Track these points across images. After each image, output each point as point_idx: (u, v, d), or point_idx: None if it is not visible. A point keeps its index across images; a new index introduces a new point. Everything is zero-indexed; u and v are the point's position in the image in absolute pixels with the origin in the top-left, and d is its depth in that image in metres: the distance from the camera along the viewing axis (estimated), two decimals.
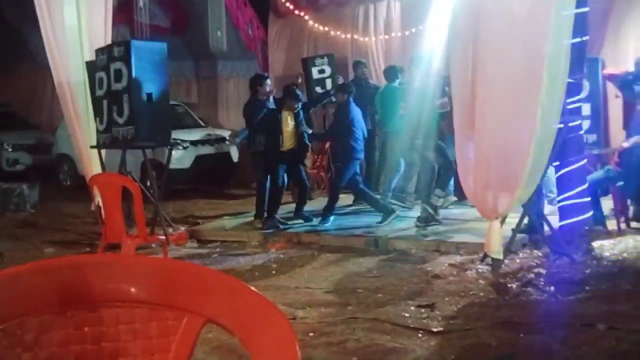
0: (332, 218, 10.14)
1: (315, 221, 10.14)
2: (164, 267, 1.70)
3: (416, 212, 9.98)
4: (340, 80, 11.78)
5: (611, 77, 9.67)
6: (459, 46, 7.46)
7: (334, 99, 10.96)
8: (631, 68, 10.02)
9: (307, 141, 10.51)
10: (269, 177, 10.24)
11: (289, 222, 10.27)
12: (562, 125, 7.22)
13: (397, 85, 11.21)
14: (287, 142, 10.08)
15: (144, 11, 13.81)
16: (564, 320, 5.81)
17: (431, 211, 9.61)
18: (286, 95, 10.33)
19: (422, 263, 8.00)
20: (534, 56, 6.74)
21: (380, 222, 9.80)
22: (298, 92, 10.57)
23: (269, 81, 10.77)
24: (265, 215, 10.20)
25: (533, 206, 7.77)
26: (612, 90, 9.98)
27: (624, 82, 9.33)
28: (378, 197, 10.58)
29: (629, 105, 9.43)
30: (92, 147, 10.01)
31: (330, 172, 12.40)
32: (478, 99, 7.14)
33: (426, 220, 9.53)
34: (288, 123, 10.11)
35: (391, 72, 11.62)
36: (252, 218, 10.45)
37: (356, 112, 10.16)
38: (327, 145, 12.72)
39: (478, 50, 7.11)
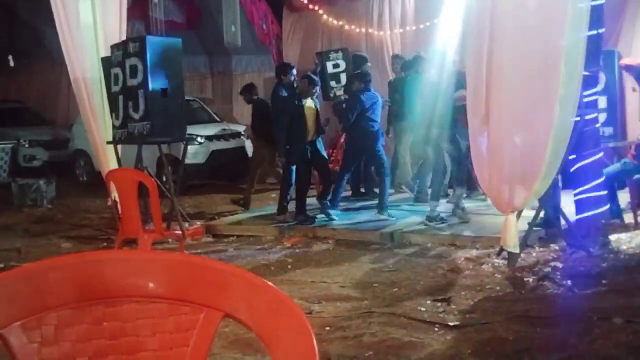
0: (334, 211, 10.13)
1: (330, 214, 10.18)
2: (181, 263, 1.71)
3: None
4: None
5: (628, 68, 9.62)
6: (473, 39, 7.43)
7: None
8: None
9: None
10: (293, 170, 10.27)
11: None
12: (578, 118, 7.19)
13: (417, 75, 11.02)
14: (312, 131, 10.09)
15: (158, 7, 13.82)
16: (581, 314, 5.78)
17: (459, 210, 9.70)
18: (302, 79, 10.32)
19: (438, 257, 8.00)
20: (551, 49, 6.70)
21: (378, 212, 9.99)
22: (312, 75, 10.57)
23: (294, 71, 10.78)
24: (295, 210, 10.22)
25: (549, 200, 7.75)
26: (629, 83, 9.92)
27: None
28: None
29: None
30: (108, 142, 10.04)
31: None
32: (493, 93, 7.11)
33: (434, 219, 9.43)
34: (311, 111, 10.11)
35: (411, 63, 11.44)
36: (276, 213, 10.44)
37: (374, 99, 10.10)
38: (343, 139, 12.68)
39: (493, 44, 7.08)
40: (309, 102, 10.16)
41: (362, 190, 11.99)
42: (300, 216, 10.07)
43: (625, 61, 9.68)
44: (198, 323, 1.63)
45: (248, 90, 12.11)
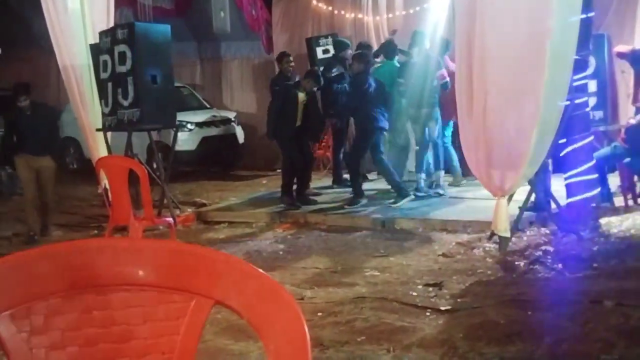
0: (363, 201, 9.97)
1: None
2: (171, 250, 1.70)
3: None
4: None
5: (621, 55, 9.68)
6: (462, 22, 7.41)
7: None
8: (638, 45, 9.99)
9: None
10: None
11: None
12: (568, 103, 7.20)
13: (396, 63, 11.01)
14: (299, 119, 10.03)
15: None
16: (572, 297, 5.81)
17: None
18: (308, 76, 10.25)
19: (429, 242, 8.01)
20: (538, 31, 6.70)
21: (394, 203, 9.69)
22: (319, 74, 10.52)
23: (290, 58, 11.47)
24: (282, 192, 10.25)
25: (540, 184, 7.76)
26: (618, 66, 9.96)
27: (635, 57, 9.36)
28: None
29: (639, 80, 9.43)
30: (97, 130, 10.01)
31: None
32: (481, 75, 7.10)
33: (422, 190, 9.99)
34: (301, 100, 10.05)
35: (390, 49, 11.33)
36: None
37: (375, 81, 10.05)
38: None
39: (481, 28, 7.05)
40: (302, 94, 10.08)
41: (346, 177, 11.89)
42: (287, 199, 10.06)
43: (618, 49, 9.72)
44: (188, 311, 1.63)
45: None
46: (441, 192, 10.12)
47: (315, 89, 10.22)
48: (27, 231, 9.28)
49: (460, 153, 10.08)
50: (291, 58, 11.66)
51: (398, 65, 10.89)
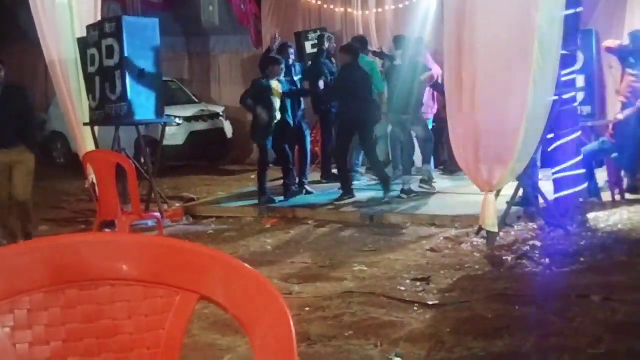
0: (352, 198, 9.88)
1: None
2: (157, 245, 1.69)
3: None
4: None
5: (610, 51, 9.72)
6: (451, 18, 7.41)
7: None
8: (625, 41, 10.02)
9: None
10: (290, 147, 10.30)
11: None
12: (556, 98, 7.21)
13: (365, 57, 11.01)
14: (277, 113, 9.97)
15: None
16: (559, 292, 5.83)
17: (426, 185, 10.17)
18: (267, 63, 10.16)
19: (417, 237, 8.02)
20: (524, 26, 6.71)
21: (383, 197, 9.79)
22: (277, 56, 10.44)
23: (291, 50, 11.26)
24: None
25: (528, 179, 7.78)
26: (607, 61, 9.99)
27: (623, 53, 9.42)
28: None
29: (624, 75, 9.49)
30: (85, 124, 9.95)
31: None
32: (469, 71, 7.10)
33: (409, 192, 9.86)
34: (278, 93, 9.99)
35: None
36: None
37: (363, 74, 10.02)
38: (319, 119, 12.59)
39: (469, 23, 7.05)
40: (276, 85, 10.01)
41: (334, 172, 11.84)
42: (263, 197, 10.03)
43: (606, 44, 9.76)
44: (173, 306, 1.62)
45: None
46: (431, 190, 10.07)
47: (281, 69, 10.08)
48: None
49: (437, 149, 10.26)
50: (292, 50, 11.55)
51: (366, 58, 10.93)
